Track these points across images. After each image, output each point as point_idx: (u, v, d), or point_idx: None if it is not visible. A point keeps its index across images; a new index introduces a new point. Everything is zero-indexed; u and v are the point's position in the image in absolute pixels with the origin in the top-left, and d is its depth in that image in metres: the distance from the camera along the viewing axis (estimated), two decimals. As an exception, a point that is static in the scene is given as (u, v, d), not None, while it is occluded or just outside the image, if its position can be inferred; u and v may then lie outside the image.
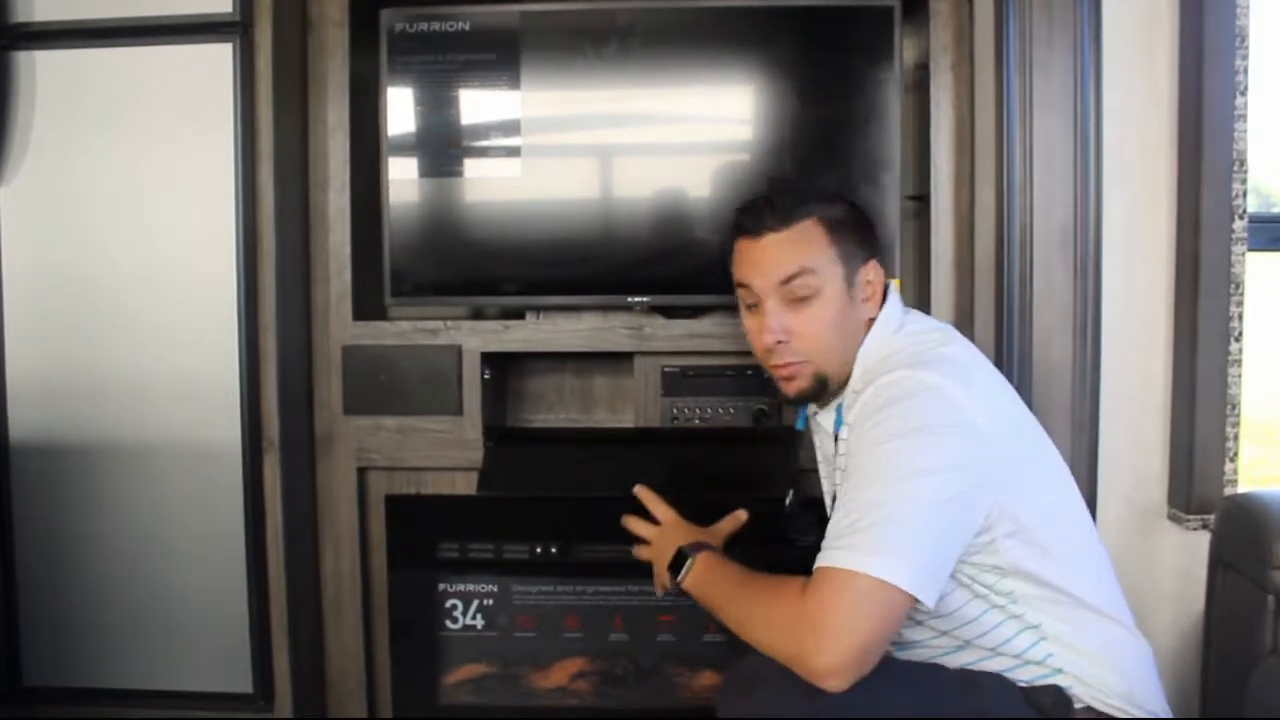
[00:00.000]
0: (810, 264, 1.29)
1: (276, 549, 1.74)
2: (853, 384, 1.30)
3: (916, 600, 1.09)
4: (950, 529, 1.14)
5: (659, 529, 1.44)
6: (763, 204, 1.32)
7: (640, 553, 1.46)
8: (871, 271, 1.33)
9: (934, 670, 1.25)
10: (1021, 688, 1.20)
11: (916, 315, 1.36)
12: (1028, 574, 1.19)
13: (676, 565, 1.33)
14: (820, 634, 1.08)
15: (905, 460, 1.13)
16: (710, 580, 1.29)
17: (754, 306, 1.33)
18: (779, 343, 1.30)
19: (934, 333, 1.31)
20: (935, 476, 1.13)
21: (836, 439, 1.34)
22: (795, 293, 1.29)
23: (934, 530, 1.12)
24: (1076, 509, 1.29)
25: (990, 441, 1.16)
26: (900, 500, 1.12)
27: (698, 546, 1.34)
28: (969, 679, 1.22)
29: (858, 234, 1.33)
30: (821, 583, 1.11)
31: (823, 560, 1.12)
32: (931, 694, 1.19)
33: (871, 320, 1.32)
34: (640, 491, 1.48)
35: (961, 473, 1.14)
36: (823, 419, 1.40)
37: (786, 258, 1.29)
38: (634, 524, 1.47)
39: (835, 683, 1.08)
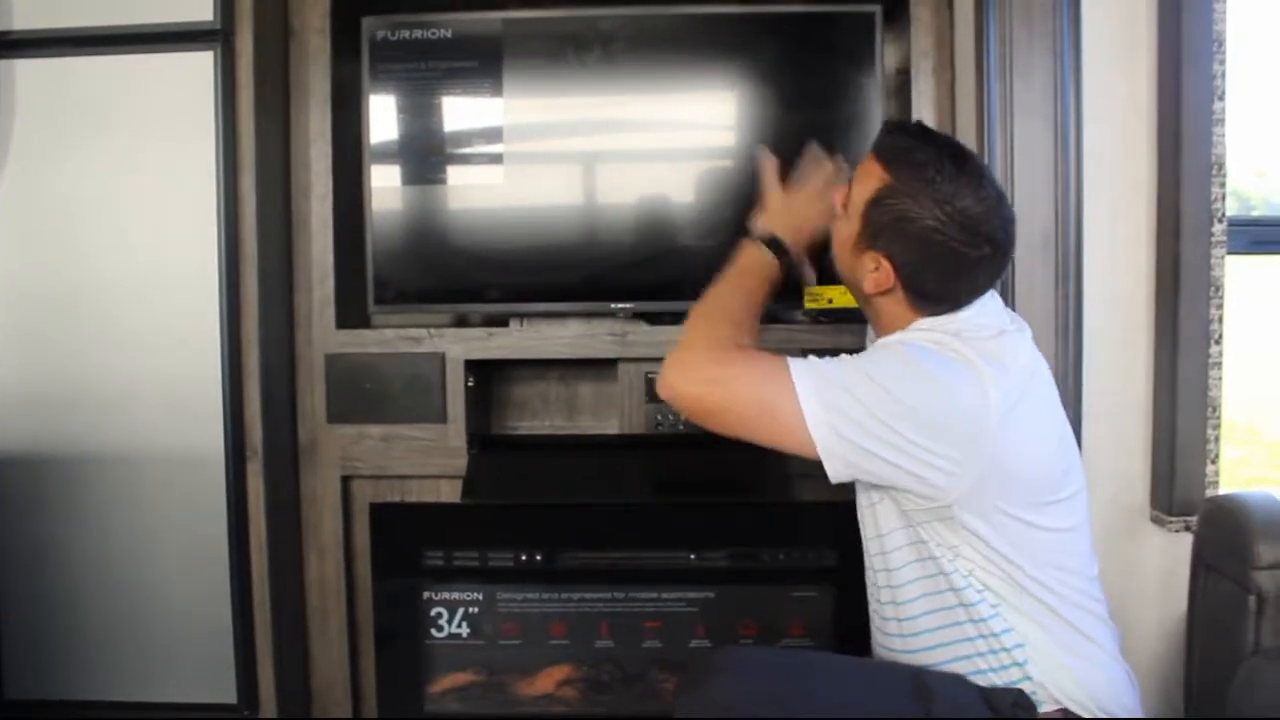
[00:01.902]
0: (854, 190, 1.27)
1: (260, 558, 1.74)
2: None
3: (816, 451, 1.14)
4: (883, 445, 1.13)
5: (798, 190, 1.42)
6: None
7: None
8: (876, 262, 1.23)
9: (889, 669, 1.25)
10: (981, 688, 1.19)
11: (992, 313, 1.27)
12: (998, 589, 1.19)
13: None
14: (700, 363, 1.22)
15: (894, 380, 1.14)
16: (751, 263, 1.34)
17: None
18: None
19: (992, 329, 1.23)
20: (904, 403, 1.13)
21: None
22: None
23: (865, 429, 1.13)
24: (1073, 537, 1.23)
25: (984, 439, 1.13)
26: (855, 385, 1.14)
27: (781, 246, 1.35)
28: (923, 678, 1.20)
29: (893, 222, 1.21)
30: (759, 350, 1.22)
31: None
32: (883, 692, 1.18)
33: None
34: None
35: (933, 428, 1.12)
36: None
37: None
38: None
39: (663, 393, 1.24)
